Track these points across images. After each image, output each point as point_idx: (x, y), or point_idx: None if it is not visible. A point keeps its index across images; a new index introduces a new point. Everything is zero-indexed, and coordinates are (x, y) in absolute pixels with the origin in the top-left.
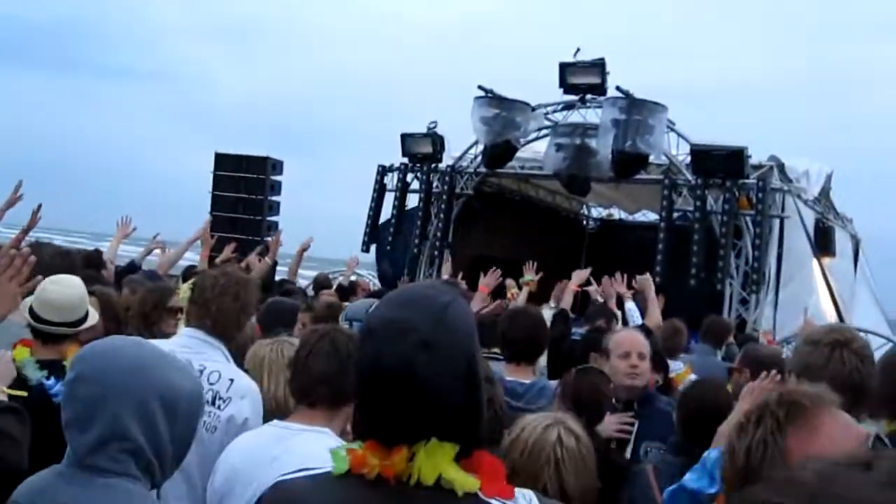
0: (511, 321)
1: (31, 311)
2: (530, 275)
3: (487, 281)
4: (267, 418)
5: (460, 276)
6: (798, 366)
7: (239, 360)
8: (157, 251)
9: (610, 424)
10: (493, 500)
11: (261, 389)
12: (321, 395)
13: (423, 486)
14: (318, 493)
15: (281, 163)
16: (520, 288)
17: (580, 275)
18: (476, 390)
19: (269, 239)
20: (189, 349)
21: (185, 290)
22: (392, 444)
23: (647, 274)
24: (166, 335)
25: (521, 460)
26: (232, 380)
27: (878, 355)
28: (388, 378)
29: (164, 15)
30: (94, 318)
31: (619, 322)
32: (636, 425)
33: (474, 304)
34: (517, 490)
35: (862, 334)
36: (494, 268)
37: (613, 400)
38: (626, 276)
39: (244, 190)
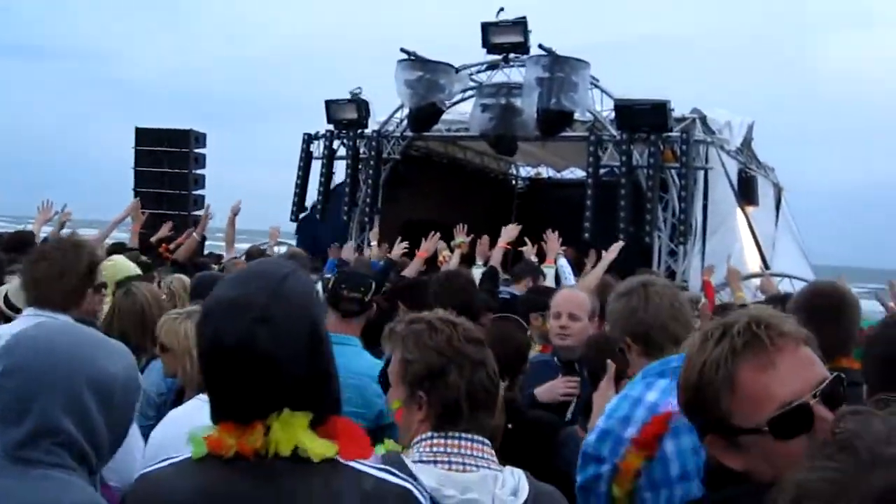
0: (441, 285)
1: None
2: (461, 237)
3: (427, 246)
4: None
5: (390, 243)
6: (622, 316)
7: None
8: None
9: (555, 388)
10: (352, 463)
11: (182, 370)
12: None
13: (281, 457)
14: (180, 479)
15: (204, 135)
16: (451, 251)
17: (509, 232)
18: (321, 357)
19: (199, 213)
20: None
21: (108, 267)
22: (246, 421)
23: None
24: (93, 313)
25: None
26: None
27: None
28: (230, 356)
29: None
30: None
31: (545, 279)
32: (580, 387)
33: (411, 269)
34: (508, 468)
35: (779, 279)
36: (434, 232)
37: (555, 360)
38: (556, 233)
39: (168, 164)
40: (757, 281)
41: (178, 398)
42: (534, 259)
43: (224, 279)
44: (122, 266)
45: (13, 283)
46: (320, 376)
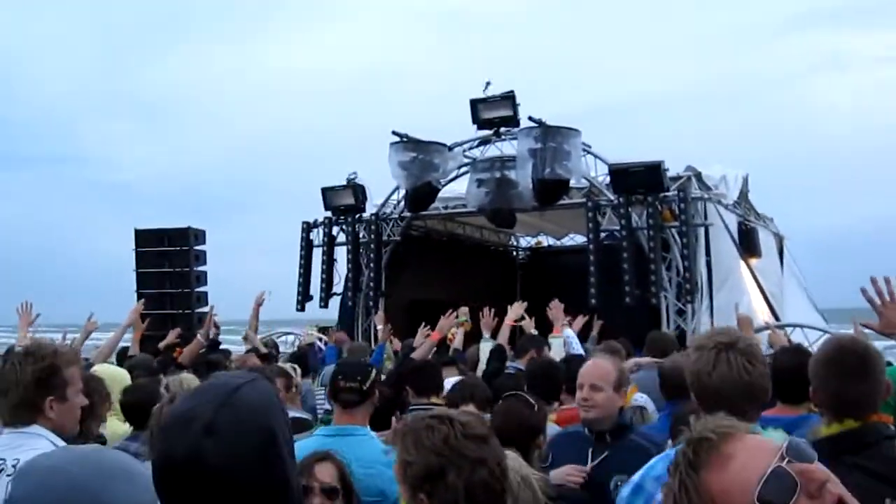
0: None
1: None
2: (463, 316)
3: (440, 326)
4: None
5: (396, 325)
6: (690, 373)
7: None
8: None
9: (563, 474)
10: None
11: None
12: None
13: None
14: None
15: (203, 232)
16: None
17: (516, 310)
18: (278, 467)
19: (203, 310)
20: (4, 447)
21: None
22: None
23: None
24: (72, 424)
25: None
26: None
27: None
28: (179, 471)
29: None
30: None
31: (549, 350)
32: (607, 457)
33: (422, 352)
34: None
35: (763, 332)
36: (450, 311)
37: (587, 431)
38: (561, 301)
39: (169, 264)
40: (763, 334)
41: None
42: (533, 331)
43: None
44: (116, 376)
45: None
46: (278, 486)
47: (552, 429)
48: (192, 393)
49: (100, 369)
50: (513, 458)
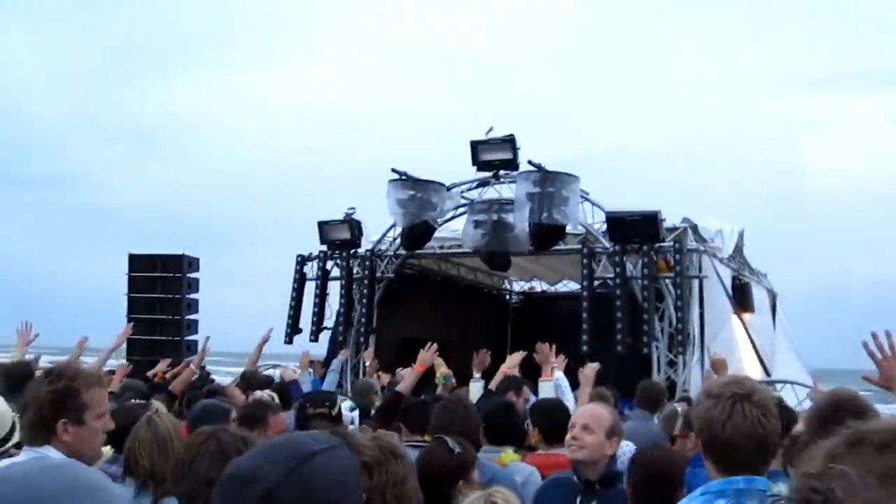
0: (444, 411)
1: None
2: (445, 377)
3: (423, 358)
4: None
5: (388, 361)
6: (701, 421)
7: None
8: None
9: None
10: None
11: None
12: (207, 498)
13: None
14: None
15: (197, 260)
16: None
17: (514, 359)
18: None
19: (192, 338)
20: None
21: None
22: None
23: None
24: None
25: None
26: None
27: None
28: None
29: (53, 122)
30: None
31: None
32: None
33: (407, 383)
34: None
35: (773, 385)
36: (430, 343)
37: (576, 479)
38: (553, 347)
39: (161, 290)
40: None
41: None
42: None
43: (252, 448)
44: None
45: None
46: None
47: (531, 473)
48: (261, 449)
49: None
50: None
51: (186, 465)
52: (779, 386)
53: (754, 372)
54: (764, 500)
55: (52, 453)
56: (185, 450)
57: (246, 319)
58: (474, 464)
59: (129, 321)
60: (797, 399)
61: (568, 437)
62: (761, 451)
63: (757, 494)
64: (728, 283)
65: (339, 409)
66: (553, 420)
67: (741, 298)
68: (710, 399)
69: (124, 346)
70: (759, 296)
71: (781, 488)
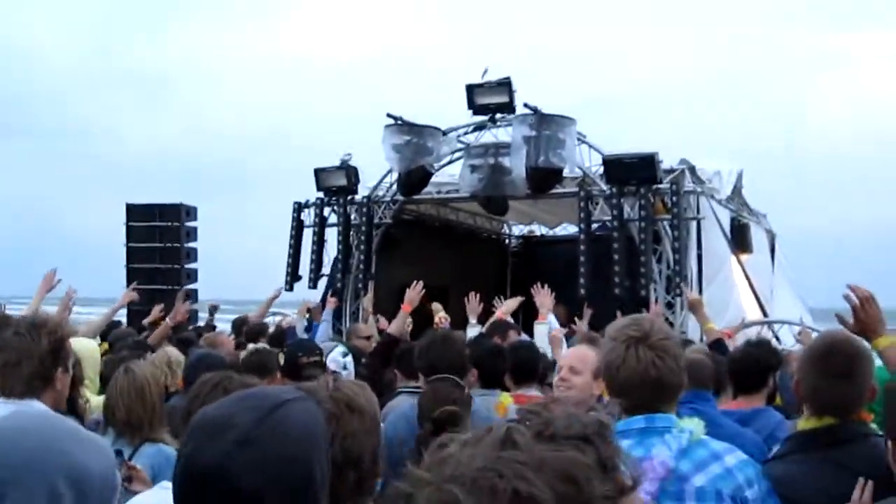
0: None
1: None
2: (439, 310)
3: (409, 297)
4: None
5: (388, 307)
6: (601, 364)
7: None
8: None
9: None
10: None
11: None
12: None
13: None
14: None
15: (195, 208)
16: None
17: (509, 304)
18: (305, 501)
19: (192, 287)
20: None
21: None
22: None
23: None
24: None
25: None
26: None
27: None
28: (201, 478)
29: (57, 72)
30: None
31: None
32: None
33: (397, 325)
34: None
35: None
36: (416, 282)
37: None
38: (547, 289)
39: (159, 239)
40: (753, 329)
41: None
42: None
43: (219, 400)
44: (88, 348)
45: None
46: None
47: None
48: (231, 398)
49: (78, 340)
50: None
51: (192, 411)
52: (776, 326)
53: (753, 312)
54: (665, 436)
55: (36, 405)
56: (191, 399)
57: (245, 267)
58: (471, 404)
59: (128, 272)
60: (795, 339)
61: (556, 378)
62: (658, 392)
63: (658, 431)
64: (726, 225)
65: (325, 357)
66: (523, 359)
67: (739, 239)
68: (609, 342)
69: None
70: (757, 237)
71: (691, 423)
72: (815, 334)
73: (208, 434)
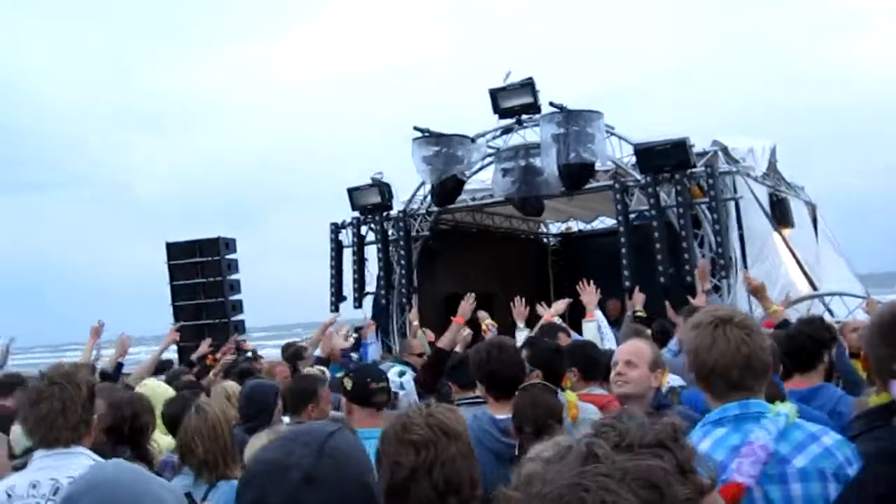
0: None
1: None
2: (486, 319)
3: (462, 310)
4: None
5: (434, 319)
6: (689, 352)
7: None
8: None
9: None
10: None
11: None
12: None
13: None
14: None
15: (233, 240)
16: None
17: (558, 306)
18: None
19: (239, 318)
20: (44, 469)
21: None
22: None
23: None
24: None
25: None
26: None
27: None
28: None
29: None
30: None
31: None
32: None
33: (448, 337)
34: None
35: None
36: (468, 295)
37: None
38: (594, 285)
39: (202, 274)
40: (804, 304)
41: None
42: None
43: (268, 442)
44: (158, 391)
45: (14, 430)
46: None
47: (589, 412)
48: (280, 439)
49: (147, 384)
50: None
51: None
52: (827, 299)
53: (802, 286)
54: (761, 420)
55: (83, 451)
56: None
57: (289, 293)
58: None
59: (174, 309)
60: (847, 310)
61: (613, 374)
62: (750, 371)
63: (753, 416)
64: (765, 201)
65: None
66: (588, 358)
67: (780, 215)
68: (694, 329)
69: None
70: (798, 210)
71: (785, 407)
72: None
73: (271, 476)
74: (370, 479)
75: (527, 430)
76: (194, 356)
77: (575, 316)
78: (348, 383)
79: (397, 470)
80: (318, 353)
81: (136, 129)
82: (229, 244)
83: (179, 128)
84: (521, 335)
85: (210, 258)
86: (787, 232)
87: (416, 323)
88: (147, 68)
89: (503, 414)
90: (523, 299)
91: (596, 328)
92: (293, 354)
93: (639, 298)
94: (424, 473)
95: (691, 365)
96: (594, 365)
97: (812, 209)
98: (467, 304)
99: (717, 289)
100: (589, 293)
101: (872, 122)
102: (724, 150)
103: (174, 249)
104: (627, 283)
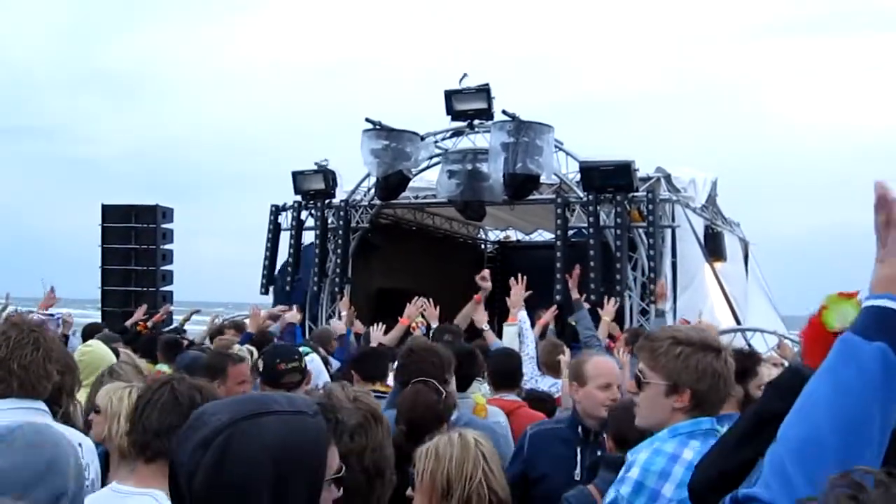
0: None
1: None
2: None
3: (409, 312)
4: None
5: (363, 311)
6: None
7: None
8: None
9: None
10: None
11: (108, 434)
12: (158, 449)
13: None
14: None
15: (171, 210)
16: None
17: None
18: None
19: (167, 289)
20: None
21: (87, 353)
22: None
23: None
24: None
25: (454, 468)
26: (80, 444)
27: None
28: (174, 476)
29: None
30: None
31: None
32: (599, 453)
33: (392, 337)
34: None
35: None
36: (417, 298)
37: (579, 430)
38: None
39: (135, 241)
40: (726, 337)
41: (105, 461)
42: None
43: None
44: (100, 354)
45: None
46: None
47: (497, 416)
48: (234, 398)
49: (93, 346)
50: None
51: (138, 414)
52: (748, 334)
53: (725, 320)
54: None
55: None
56: (137, 399)
57: (222, 270)
58: (454, 407)
59: (102, 272)
60: (766, 346)
61: (604, 396)
62: (726, 391)
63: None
64: (701, 233)
65: (305, 362)
66: (504, 369)
67: (713, 247)
68: (685, 345)
69: (98, 295)
70: (731, 245)
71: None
72: (792, 345)
73: (188, 429)
74: (262, 486)
75: (400, 427)
76: (129, 322)
77: (503, 320)
78: (260, 364)
79: None
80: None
81: (88, 90)
82: (166, 213)
83: (138, 97)
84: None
85: (145, 224)
86: (718, 265)
87: (345, 313)
88: (107, 35)
89: None
90: (430, 299)
91: (516, 332)
92: (216, 331)
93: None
94: (356, 460)
95: (683, 377)
96: (509, 376)
97: (745, 246)
98: (414, 307)
99: (644, 312)
100: (516, 292)
101: (818, 175)
102: (668, 177)
103: (110, 212)
104: (558, 297)
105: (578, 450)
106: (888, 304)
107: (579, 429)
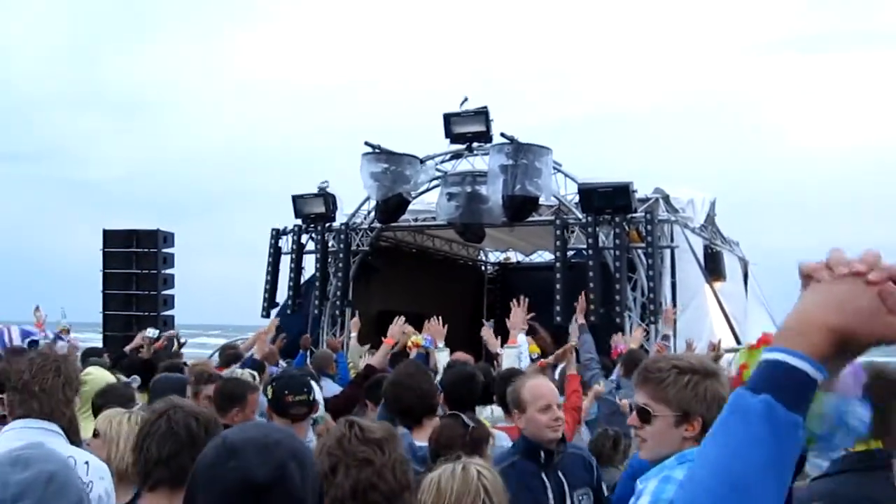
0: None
1: None
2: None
3: (392, 332)
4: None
5: (364, 334)
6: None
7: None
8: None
9: None
10: None
11: (108, 458)
12: (159, 478)
13: None
14: None
15: (172, 234)
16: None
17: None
18: None
19: (168, 314)
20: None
21: (86, 380)
22: None
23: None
24: None
25: (453, 502)
26: (87, 462)
27: None
28: (262, 489)
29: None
30: None
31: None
32: (563, 479)
33: (378, 358)
34: None
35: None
36: (398, 317)
37: (541, 455)
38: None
39: (136, 265)
40: (726, 357)
41: None
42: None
43: (232, 428)
44: (100, 378)
45: None
46: None
47: (503, 440)
48: (251, 425)
49: (92, 373)
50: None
51: (139, 446)
52: None
53: (726, 339)
54: None
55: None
56: (138, 431)
57: (224, 292)
58: (489, 439)
59: (104, 297)
60: None
61: (546, 418)
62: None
63: None
64: (700, 253)
65: (314, 393)
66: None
67: (713, 267)
68: (699, 374)
69: (100, 319)
70: (730, 264)
71: None
72: None
73: (257, 451)
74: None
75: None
76: (128, 347)
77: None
78: (269, 392)
79: (335, 490)
80: (256, 355)
81: (89, 113)
82: (167, 238)
83: (141, 118)
84: (441, 355)
85: (147, 249)
86: (718, 285)
87: (354, 334)
88: (107, 56)
89: (422, 441)
90: (439, 317)
91: (517, 355)
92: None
93: (637, 337)
94: (389, 472)
95: (694, 406)
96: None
97: (744, 265)
98: (396, 326)
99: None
100: (517, 314)
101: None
102: (666, 198)
103: (111, 237)
104: (559, 319)
105: (544, 475)
106: (778, 357)
107: (541, 455)
